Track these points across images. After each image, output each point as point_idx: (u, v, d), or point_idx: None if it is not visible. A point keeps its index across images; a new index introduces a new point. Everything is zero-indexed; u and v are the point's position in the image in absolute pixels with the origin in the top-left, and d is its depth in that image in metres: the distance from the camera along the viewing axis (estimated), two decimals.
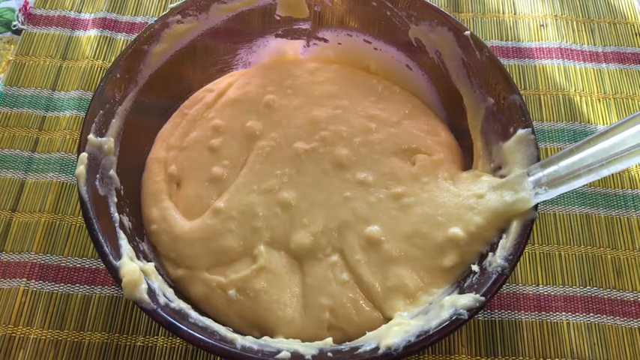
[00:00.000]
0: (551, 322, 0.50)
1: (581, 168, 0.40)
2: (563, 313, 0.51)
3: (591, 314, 0.51)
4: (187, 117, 0.54)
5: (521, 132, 0.45)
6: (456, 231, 0.45)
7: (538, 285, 0.52)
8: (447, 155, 0.51)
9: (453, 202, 0.47)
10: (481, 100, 0.49)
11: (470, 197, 0.46)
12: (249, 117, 0.53)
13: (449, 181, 0.49)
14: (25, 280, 0.51)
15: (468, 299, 0.39)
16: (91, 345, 0.49)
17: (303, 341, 0.43)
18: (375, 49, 0.56)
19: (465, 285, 0.42)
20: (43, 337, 0.49)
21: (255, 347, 0.40)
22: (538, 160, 0.44)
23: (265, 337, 0.43)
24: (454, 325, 0.39)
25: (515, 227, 0.42)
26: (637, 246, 0.54)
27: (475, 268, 0.43)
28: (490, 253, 0.42)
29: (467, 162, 0.52)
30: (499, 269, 0.41)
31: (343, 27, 0.56)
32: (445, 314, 0.39)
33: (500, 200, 0.44)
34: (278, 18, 0.55)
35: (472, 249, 0.45)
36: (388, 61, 0.56)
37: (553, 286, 0.52)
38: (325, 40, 0.57)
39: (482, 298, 0.39)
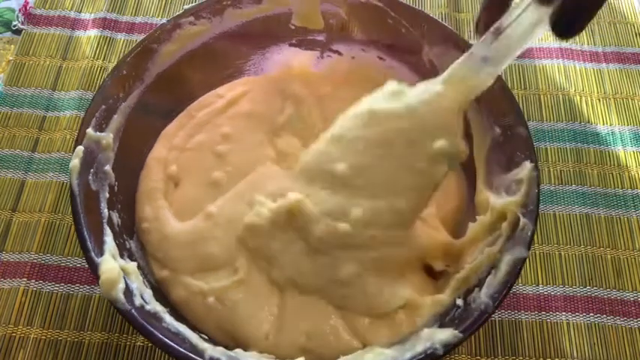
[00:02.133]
0: (551, 322, 0.50)
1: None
2: (563, 313, 0.51)
3: (591, 314, 0.51)
4: (194, 120, 0.53)
5: (524, 166, 0.44)
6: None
7: (538, 285, 0.52)
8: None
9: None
10: (488, 129, 0.47)
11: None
12: (263, 136, 0.52)
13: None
14: (25, 280, 0.51)
15: (446, 334, 0.38)
16: (91, 345, 0.49)
17: (275, 358, 0.42)
18: (387, 67, 0.55)
19: (447, 319, 0.41)
20: (43, 337, 0.49)
21: (224, 359, 0.39)
22: (538, 198, 0.42)
23: (237, 350, 0.41)
24: (427, 359, 0.37)
25: (504, 266, 0.40)
26: (637, 246, 0.54)
27: (459, 302, 0.42)
28: (476, 289, 0.41)
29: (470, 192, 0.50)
30: (482, 306, 0.39)
31: (358, 42, 0.55)
32: (420, 347, 0.38)
33: (454, 94, 0.41)
34: (293, 27, 0.55)
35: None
36: (400, 80, 0.54)
37: (553, 286, 0.52)
38: (339, 53, 0.56)
39: (461, 335, 0.38)
